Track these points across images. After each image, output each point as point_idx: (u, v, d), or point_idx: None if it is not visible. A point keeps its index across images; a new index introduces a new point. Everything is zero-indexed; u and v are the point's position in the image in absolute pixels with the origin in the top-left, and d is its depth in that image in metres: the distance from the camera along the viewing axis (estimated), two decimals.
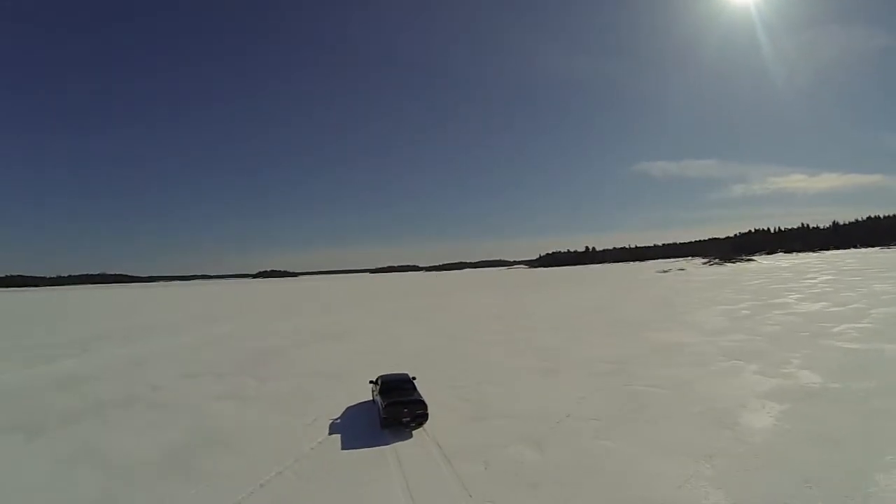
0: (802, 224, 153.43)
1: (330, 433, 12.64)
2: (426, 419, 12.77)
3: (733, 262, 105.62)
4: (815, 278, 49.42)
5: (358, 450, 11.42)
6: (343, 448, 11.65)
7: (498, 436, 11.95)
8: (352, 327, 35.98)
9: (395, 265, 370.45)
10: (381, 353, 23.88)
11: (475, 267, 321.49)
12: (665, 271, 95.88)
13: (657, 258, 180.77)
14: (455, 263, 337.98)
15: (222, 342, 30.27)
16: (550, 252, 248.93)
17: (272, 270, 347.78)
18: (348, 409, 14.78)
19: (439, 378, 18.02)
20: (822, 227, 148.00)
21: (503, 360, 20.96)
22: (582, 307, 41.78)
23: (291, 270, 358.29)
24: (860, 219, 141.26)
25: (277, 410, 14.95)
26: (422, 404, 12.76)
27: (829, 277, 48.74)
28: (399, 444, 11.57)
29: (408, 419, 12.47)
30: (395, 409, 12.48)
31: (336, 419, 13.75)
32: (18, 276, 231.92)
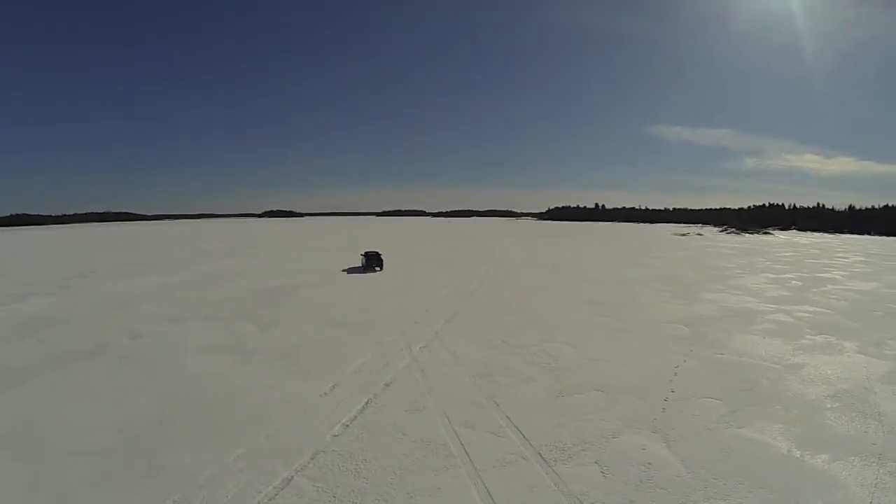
0: (818, 204, 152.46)
1: (360, 410, 9.03)
2: (382, 266, 30.55)
3: (751, 233, 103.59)
4: (846, 258, 46.34)
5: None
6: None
7: (599, 419, 8.62)
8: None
9: (402, 209, 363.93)
10: (407, 297, 20.50)
11: (483, 215, 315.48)
12: (683, 234, 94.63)
13: (667, 222, 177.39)
14: (463, 211, 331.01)
15: (224, 280, 26.64)
16: (559, 206, 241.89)
17: (278, 210, 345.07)
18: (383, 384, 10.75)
19: (491, 331, 14.73)
20: (837, 209, 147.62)
21: (559, 314, 17.55)
22: (615, 260, 38.49)
23: (297, 211, 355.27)
24: (877, 206, 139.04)
25: (283, 371, 11.39)
26: (381, 260, 30.63)
27: (861, 259, 45.67)
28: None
29: (374, 265, 30.32)
30: (370, 262, 30.50)
31: (366, 390, 10.09)
32: (24, 214, 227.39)
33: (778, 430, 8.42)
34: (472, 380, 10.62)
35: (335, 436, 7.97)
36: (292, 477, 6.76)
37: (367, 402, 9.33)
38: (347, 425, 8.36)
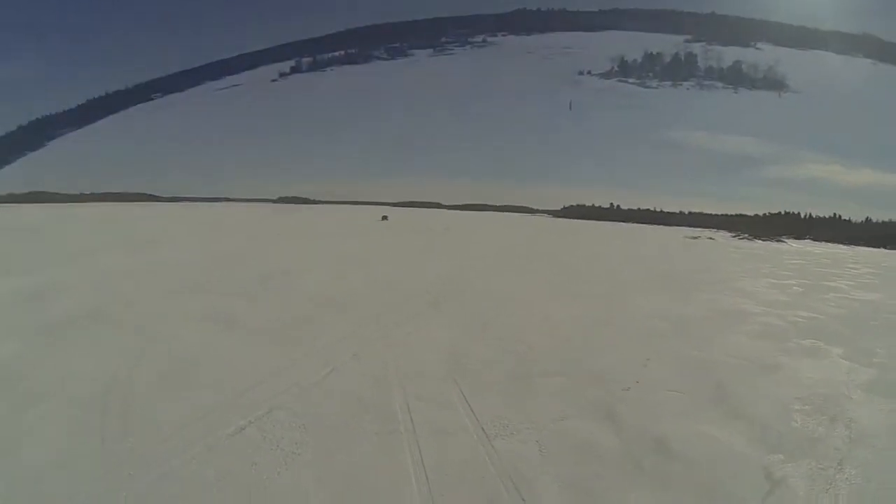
0: (835, 214, 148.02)
1: (324, 377, 9.47)
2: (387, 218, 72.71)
3: (763, 240, 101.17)
4: (857, 269, 44.65)
5: None
6: None
7: (554, 403, 8.81)
8: (373, 252, 33.13)
9: (417, 201, 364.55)
10: (398, 281, 21.06)
11: (498, 211, 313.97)
12: (695, 238, 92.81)
13: (682, 225, 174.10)
14: (478, 205, 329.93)
15: (225, 259, 27.22)
16: (575, 204, 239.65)
17: (293, 197, 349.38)
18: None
19: (471, 316, 15.09)
20: (853, 220, 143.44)
21: (544, 304, 17.73)
22: (617, 258, 38.43)
23: (312, 198, 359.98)
24: (894, 219, 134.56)
25: (260, 341, 11.88)
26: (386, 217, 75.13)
27: (872, 271, 43.93)
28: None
29: (385, 219, 71.87)
30: (383, 218, 73.16)
31: (333, 360, 10.54)
32: (43, 192, 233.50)
33: (736, 427, 8.34)
34: (439, 358, 10.94)
35: (294, 395, 8.44)
36: (245, 427, 7.27)
37: (331, 370, 9.73)
38: (307, 388, 8.81)
